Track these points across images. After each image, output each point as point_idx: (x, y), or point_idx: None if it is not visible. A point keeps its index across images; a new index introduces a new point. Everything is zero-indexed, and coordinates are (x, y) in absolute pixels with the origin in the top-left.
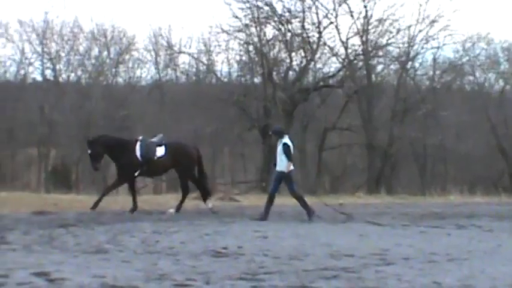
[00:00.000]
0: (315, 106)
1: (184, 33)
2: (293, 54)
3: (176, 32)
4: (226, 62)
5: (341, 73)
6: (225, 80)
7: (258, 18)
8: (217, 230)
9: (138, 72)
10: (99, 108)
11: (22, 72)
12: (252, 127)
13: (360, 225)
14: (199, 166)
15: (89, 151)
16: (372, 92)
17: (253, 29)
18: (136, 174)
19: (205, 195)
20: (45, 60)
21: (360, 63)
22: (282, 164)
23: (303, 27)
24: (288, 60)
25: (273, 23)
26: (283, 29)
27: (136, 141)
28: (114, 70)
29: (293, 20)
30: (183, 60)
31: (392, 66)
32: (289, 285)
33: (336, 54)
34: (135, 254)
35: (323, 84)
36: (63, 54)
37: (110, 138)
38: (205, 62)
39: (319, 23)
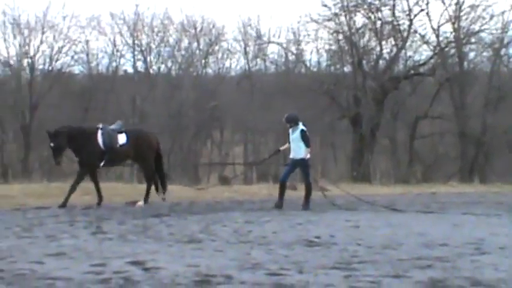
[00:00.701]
0: (406, 94)
1: (273, 23)
2: (383, 42)
3: (265, 22)
4: (316, 52)
5: (432, 61)
6: (315, 69)
7: (347, 6)
8: (309, 220)
9: (227, 63)
10: (189, 98)
11: (114, 64)
12: (342, 116)
13: (454, 215)
14: (158, 156)
15: (52, 144)
16: (464, 80)
17: (342, 18)
18: (101, 164)
19: (163, 186)
20: (136, 52)
21: (452, 51)
22: (301, 151)
23: (393, 14)
24: (378, 49)
25: (362, 11)
26: (373, 17)
27: (97, 129)
28: (203, 61)
29: (383, 8)
30: (272, 50)
31: (485, 53)
32: (383, 275)
33: (427, 42)
34: (227, 243)
35: (414, 72)
36: (153, 46)
37: (73, 128)
38: (295, 51)
39: (410, 10)
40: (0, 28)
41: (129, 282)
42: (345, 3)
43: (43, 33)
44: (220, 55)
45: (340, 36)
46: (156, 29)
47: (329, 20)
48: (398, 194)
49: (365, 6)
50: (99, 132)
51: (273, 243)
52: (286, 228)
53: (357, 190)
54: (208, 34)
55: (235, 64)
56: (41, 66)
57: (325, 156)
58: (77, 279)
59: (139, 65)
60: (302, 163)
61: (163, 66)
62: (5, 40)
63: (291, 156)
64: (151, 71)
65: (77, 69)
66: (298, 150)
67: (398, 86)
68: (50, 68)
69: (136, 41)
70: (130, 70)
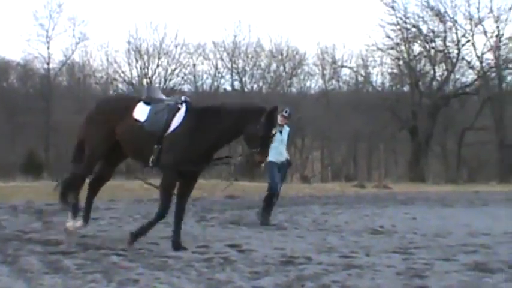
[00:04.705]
0: (455, 110)
1: (346, 51)
2: (436, 67)
3: (339, 50)
4: (380, 74)
5: (477, 82)
6: (379, 89)
7: (406, 38)
8: (374, 212)
9: (308, 83)
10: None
11: (215, 83)
12: (402, 128)
13: (494, 209)
14: None
15: None
16: (503, 98)
17: (402, 47)
18: None
19: None
20: (233, 74)
21: (493, 74)
22: (284, 152)
23: (444, 44)
24: (431, 72)
25: (419, 42)
26: (427, 46)
27: None
28: (288, 81)
29: (436, 39)
30: (345, 72)
31: None
32: (435, 258)
33: (472, 67)
34: (307, 231)
35: (461, 92)
36: (248, 69)
37: None
38: (363, 74)
39: (458, 41)
40: (126, 54)
41: (227, 262)
42: (405, 35)
43: (159, 58)
44: (302, 77)
45: (401, 62)
46: (250, 55)
47: (391, 48)
48: (447, 191)
49: (421, 37)
50: None
51: (345, 231)
52: (355, 219)
53: (413, 188)
54: (293, 59)
55: (315, 84)
56: (157, 85)
57: (388, 161)
58: (185, 258)
59: (236, 84)
60: (286, 165)
61: (255, 85)
62: (129, 64)
63: (275, 159)
64: (245, 89)
65: (185, 87)
66: (283, 151)
67: (448, 103)
68: (165, 86)
69: (234, 65)
70: (229, 88)
